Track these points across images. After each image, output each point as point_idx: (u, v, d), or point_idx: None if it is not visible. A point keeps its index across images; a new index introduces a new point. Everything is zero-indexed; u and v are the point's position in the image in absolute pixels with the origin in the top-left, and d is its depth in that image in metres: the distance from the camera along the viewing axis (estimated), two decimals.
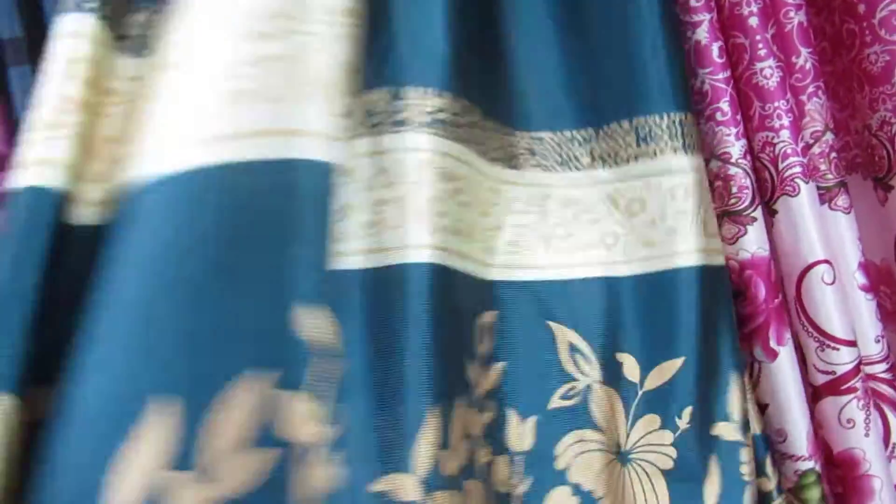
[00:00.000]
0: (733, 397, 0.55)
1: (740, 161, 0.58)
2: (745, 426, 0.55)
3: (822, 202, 0.62)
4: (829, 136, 0.63)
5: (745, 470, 0.54)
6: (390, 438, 0.43)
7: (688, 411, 0.54)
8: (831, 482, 0.61)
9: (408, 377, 0.44)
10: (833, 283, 0.59)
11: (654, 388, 0.55)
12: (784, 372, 0.58)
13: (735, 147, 0.58)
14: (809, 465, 0.58)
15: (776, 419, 0.59)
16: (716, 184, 0.59)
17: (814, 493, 0.58)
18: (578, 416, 0.54)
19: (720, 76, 0.59)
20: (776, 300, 0.59)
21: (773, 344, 0.58)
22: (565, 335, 0.55)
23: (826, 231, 0.61)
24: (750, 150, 0.60)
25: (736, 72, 0.61)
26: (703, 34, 0.59)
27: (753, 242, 0.59)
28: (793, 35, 0.62)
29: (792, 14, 0.62)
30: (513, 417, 0.53)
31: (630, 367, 0.56)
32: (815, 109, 0.63)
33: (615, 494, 0.53)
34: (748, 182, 0.58)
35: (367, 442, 0.43)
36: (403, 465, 0.43)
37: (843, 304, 0.59)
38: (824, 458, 0.61)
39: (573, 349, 0.55)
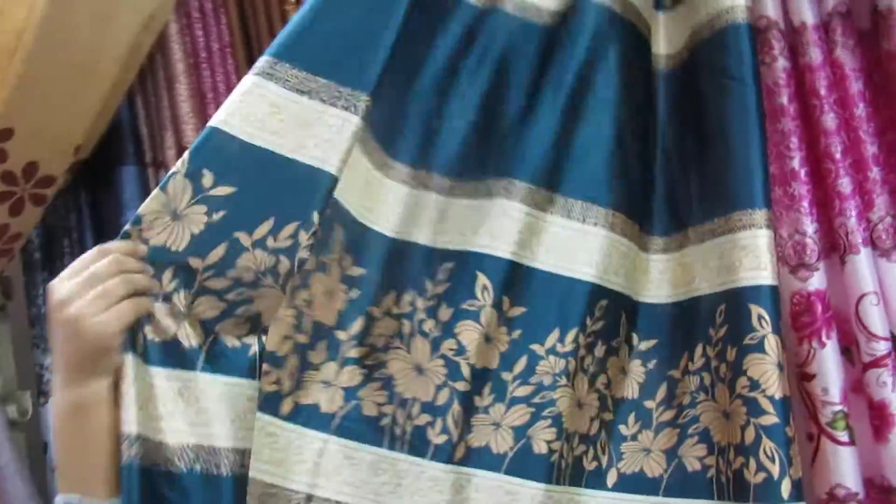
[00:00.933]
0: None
1: (811, 235, 1.04)
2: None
3: (883, 257, 1.05)
4: (889, 219, 1.05)
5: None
6: None
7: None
8: (872, 420, 1.05)
9: None
10: (878, 304, 1.03)
11: (511, 317, 0.95)
12: (828, 356, 1.04)
13: (809, 227, 1.04)
14: (840, 408, 1.04)
15: (820, 381, 1.05)
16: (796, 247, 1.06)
17: (841, 423, 1.04)
18: (472, 314, 0.92)
19: (804, 188, 1.05)
20: (827, 314, 1.04)
21: (823, 339, 1.04)
22: (482, 280, 0.93)
23: (880, 274, 1.04)
24: (829, 229, 1.05)
25: (825, 183, 1.05)
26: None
27: (816, 282, 1.05)
28: (867, 158, 1.05)
29: (868, 145, 1.05)
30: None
31: (506, 306, 0.94)
32: (882, 203, 1.05)
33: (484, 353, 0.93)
34: (815, 248, 1.04)
35: None
36: None
37: (884, 317, 1.03)
38: (867, 404, 1.05)
39: (483, 288, 0.93)
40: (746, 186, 0.97)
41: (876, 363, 1.04)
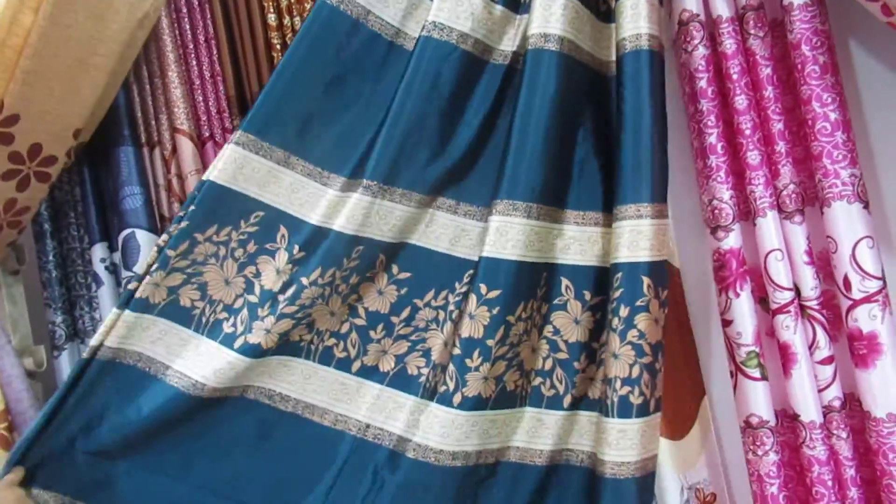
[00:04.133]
0: None
1: (727, 201, 1.21)
2: None
3: (786, 219, 1.22)
4: (791, 186, 1.21)
5: None
6: None
7: None
8: (781, 359, 1.22)
9: None
10: (782, 259, 1.20)
11: (400, 278, 1.27)
12: (742, 304, 1.21)
13: (725, 194, 1.21)
14: (752, 348, 1.21)
15: (736, 326, 1.22)
16: (714, 212, 1.22)
17: (753, 362, 1.21)
18: (369, 279, 1.26)
19: (721, 160, 1.21)
20: (742, 269, 1.21)
21: (738, 290, 1.21)
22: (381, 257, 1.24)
23: (785, 234, 1.21)
24: (738, 195, 1.22)
25: (737, 155, 1.22)
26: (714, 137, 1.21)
27: (732, 241, 1.21)
28: (774, 134, 1.21)
29: (775, 122, 1.21)
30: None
31: (395, 271, 1.26)
32: (786, 172, 1.22)
33: None
34: (731, 211, 1.21)
35: None
36: None
37: (787, 270, 1.20)
38: (777, 346, 1.22)
39: (380, 262, 1.25)
40: (635, 182, 1.16)
41: (780, 310, 1.21)
